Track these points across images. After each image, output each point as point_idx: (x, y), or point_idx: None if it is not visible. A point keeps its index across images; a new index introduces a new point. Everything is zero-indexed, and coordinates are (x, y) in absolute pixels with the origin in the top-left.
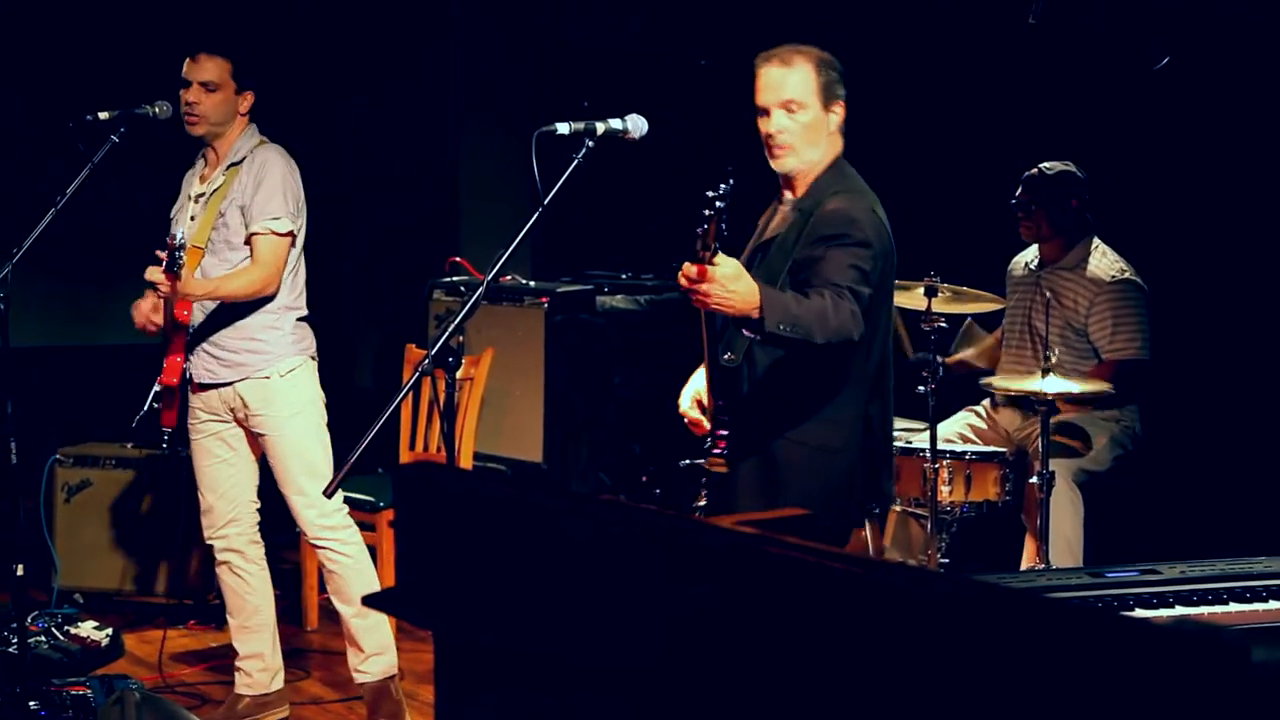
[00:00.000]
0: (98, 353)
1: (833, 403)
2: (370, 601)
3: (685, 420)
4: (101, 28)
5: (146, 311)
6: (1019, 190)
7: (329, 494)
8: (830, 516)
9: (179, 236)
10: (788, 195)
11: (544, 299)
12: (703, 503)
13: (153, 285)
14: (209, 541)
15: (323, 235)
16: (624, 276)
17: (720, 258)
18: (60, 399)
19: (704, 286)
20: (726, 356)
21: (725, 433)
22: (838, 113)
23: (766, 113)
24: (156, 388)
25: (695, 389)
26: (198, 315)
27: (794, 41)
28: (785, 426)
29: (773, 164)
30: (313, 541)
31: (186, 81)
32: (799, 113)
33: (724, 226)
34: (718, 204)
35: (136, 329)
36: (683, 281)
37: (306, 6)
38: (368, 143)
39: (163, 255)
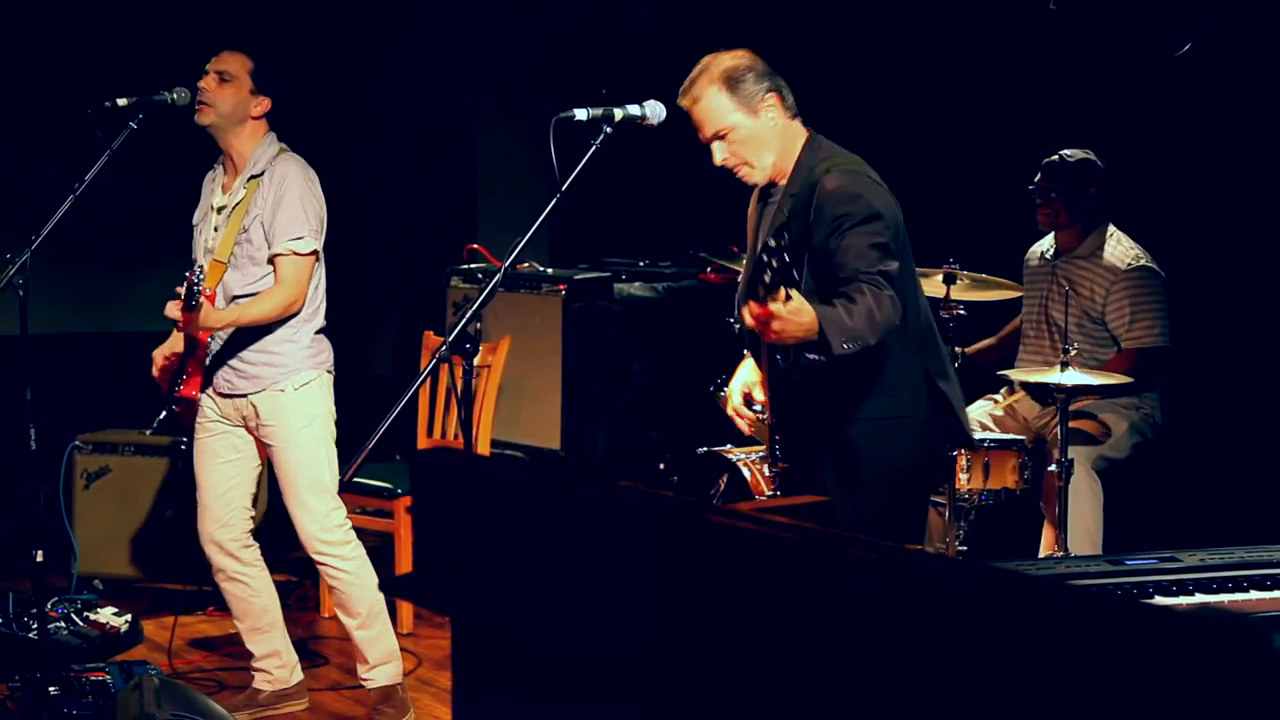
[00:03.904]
0: (117, 339)
1: (888, 372)
2: (387, 587)
3: (735, 416)
4: (120, 14)
5: (161, 364)
6: (1038, 176)
7: (346, 481)
8: (920, 478)
9: (198, 272)
10: (776, 185)
11: (562, 286)
12: (723, 488)
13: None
14: (203, 546)
15: (342, 225)
16: (642, 264)
17: (782, 293)
18: (79, 386)
19: (773, 324)
20: (778, 357)
21: (780, 437)
22: (772, 108)
23: (709, 146)
24: (175, 394)
25: (744, 381)
26: (218, 333)
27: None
28: (851, 409)
29: (746, 183)
30: (313, 556)
31: (204, 73)
32: (731, 135)
33: (795, 273)
34: (784, 256)
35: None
36: (748, 321)
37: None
38: (385, 131)
39: (181, 290)
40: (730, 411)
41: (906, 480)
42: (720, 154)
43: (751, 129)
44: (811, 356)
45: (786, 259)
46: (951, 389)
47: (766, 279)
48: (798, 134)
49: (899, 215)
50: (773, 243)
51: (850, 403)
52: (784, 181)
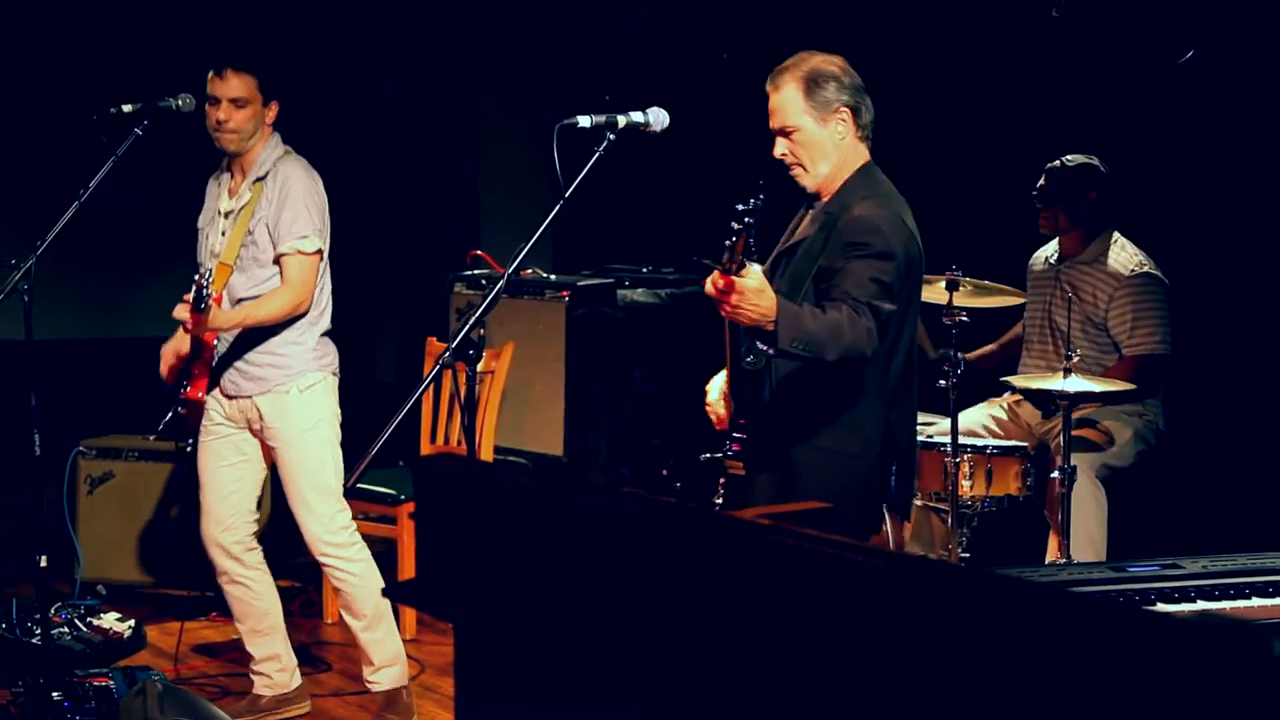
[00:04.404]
0: (121, 345)
1: (852, 409)
2: (390, 593)
3: (709, 412)
4: (125, 21)
5: (170, 362)
6: (1040, 182)
7: (350, 487)
8: (846, 519)
9: (207, 275)
10: (817, 201)
11: (565, 292)
12: (721, 497)
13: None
14: (206, 548)
15: (344, 229)
16: (645, 270)
17: (748, 269)
18: (83, 391)
19: (731, 297)
20: (748, 359)
21: (741, 435)
22: (843, 122)
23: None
24: (181, 395)
25: (724, 381)
26: (225, 335)
27: (809, 41)
28: (803, 431)
29: (797, 183)
30: (319, 559)
31: (214, 98)
32: (795, 135)
33: (752, 241)
34: (746, 220)
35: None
36: (709, 289)
37: (331, 9)
38: (387, 136)
39: (188, 297)
40: (707, 406)
41: (840, 515)
42: (780, 148)
43: (815, 135)
44: (761, 347)
45: (751, 223)
46: (909, 447)
47: (729, 243)
48: (859, 156)
49: (917, 264)
50: (741, 207)
51: (806, 424)
52: (826, 199)
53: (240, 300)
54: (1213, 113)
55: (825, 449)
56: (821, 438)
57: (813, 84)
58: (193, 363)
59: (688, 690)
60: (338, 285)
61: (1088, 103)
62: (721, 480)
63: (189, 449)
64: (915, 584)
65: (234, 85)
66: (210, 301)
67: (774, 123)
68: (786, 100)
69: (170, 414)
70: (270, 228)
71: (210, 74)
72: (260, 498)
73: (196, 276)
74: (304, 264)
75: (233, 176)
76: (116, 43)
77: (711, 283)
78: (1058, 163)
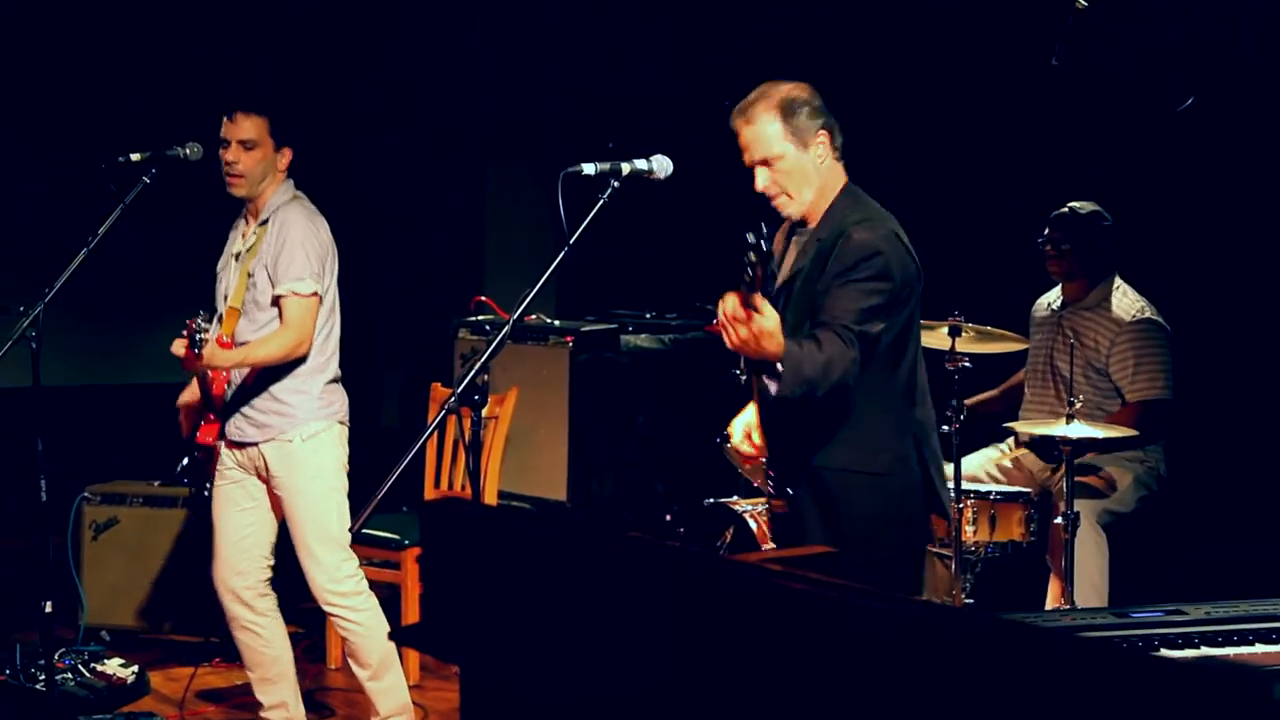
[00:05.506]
0: (127, 392)
1: (872, 430)
2: (395, 638)
3: (735, 453)
4: (134, 70)
5: (187, 411)
6: (1048, 229)
7: (354, 532)
8: (898, 536)
9: (199, 321)
10: (804, 227)
11: (569, 338)
12: (729, 540)
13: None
14: (219, 593)
15: (350, 275)
16: (648, 316)
17: (765, 308)
18: (89, 437)
19: (740, 330)
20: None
21: (773, 473)
22: (821, 144)
23: (753, 170)
24: (194, 440)
25: (746, 421)
26: (234, 377)
27: (812, 80)
28: (831, 459)
29: (782, 214)
30: (324, 608)
31: (224, 141)
32: (777, 164)
33: (773, 268)
34: (762, 245)
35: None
36: (723, 315)
37: (334, 46)
38: (394, 182)
39: (184, 336)
40: (730, 449)
41: (882, 534)
42: (762, 180)
43: (798, 161)
44: (766, 381)
45: (767, 251)
46: (935, 454)
47: (748, 278)
48: (838, 178)
49: (915, 280)
50: (751, 238)
51: (830, 452)
52: (814, 224)
53: (244, 344)
54: (1212, 159)
55: (855, 472)
56: (847, 462)
57: (789, 111)
58: (204, 408)
59: None
60: (344, 329)
61: (1087, 150)
62: (770, 518)
63: (206, 494)
64: (919, 628)
65: (244, 127)
66: (204, 339)
67: (751, 156)
68: (764, 131)
69: (186, 459)
70: (269, 271)
71: (223, 119)
72: (275, 543)
73: (189, 320)
74: (301, 305)
75: (246, 222)
76: (125, 91)
77: (724, 307)
78: (1066, 210)
